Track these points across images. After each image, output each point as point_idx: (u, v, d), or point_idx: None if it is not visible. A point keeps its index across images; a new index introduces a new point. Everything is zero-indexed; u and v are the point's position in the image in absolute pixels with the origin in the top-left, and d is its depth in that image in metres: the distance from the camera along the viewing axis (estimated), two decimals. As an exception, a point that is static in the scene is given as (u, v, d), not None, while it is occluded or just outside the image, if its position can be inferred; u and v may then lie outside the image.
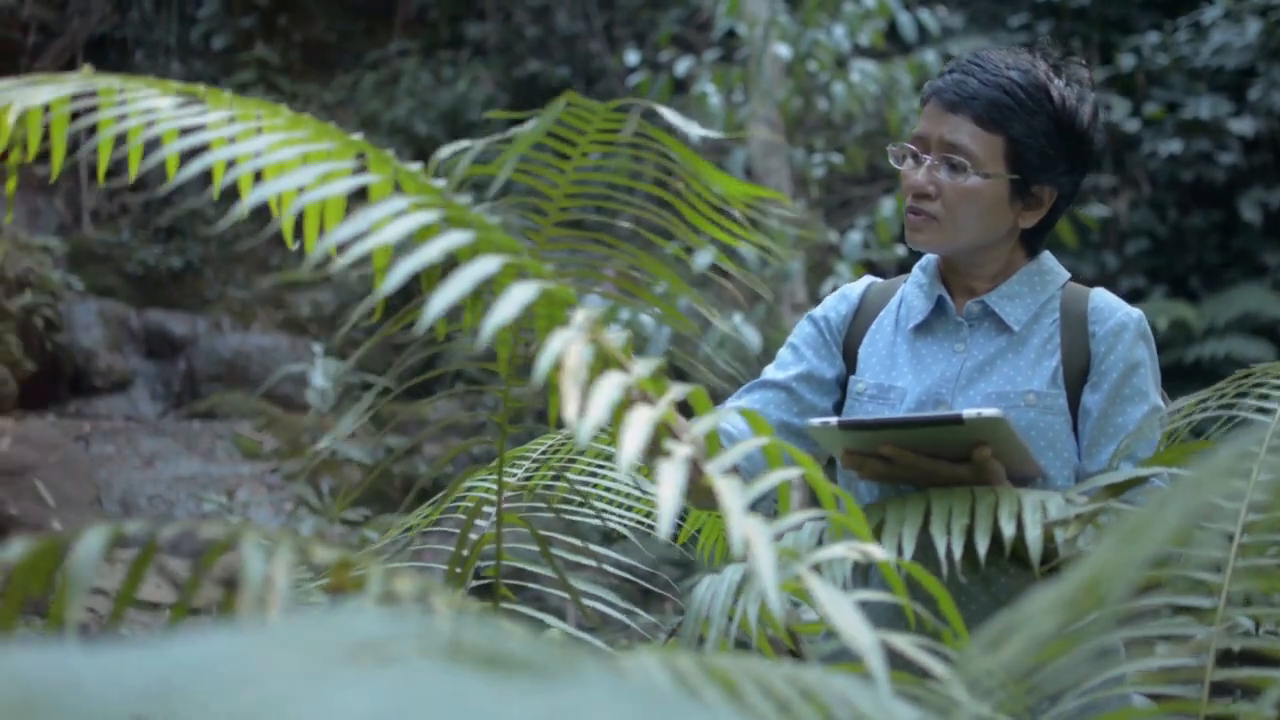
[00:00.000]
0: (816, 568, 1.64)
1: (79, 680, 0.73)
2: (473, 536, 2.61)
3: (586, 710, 0.72)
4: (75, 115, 2.08)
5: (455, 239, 1.62)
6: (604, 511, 3.20)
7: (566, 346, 1.57)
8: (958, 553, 2.45)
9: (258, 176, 2.00)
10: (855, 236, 10.60)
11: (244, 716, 0.69)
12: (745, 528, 1.45)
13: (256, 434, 13.07)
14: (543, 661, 0.81)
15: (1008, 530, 2.46)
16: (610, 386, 1.54)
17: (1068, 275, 3.25)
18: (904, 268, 11.63)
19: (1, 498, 10.27)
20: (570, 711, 0.72)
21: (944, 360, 3.17)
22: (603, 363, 1.72)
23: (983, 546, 2.47)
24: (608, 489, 3.36)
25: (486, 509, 3.00)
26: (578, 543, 2.76)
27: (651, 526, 3.28)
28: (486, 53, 16.38)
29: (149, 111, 1.96)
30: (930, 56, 11.20)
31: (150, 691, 0.71)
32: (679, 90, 11.94)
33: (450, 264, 1.74)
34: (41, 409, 13.54)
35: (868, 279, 3.42)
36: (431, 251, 1.57)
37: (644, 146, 2.12)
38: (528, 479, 3.31)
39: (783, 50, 10.91)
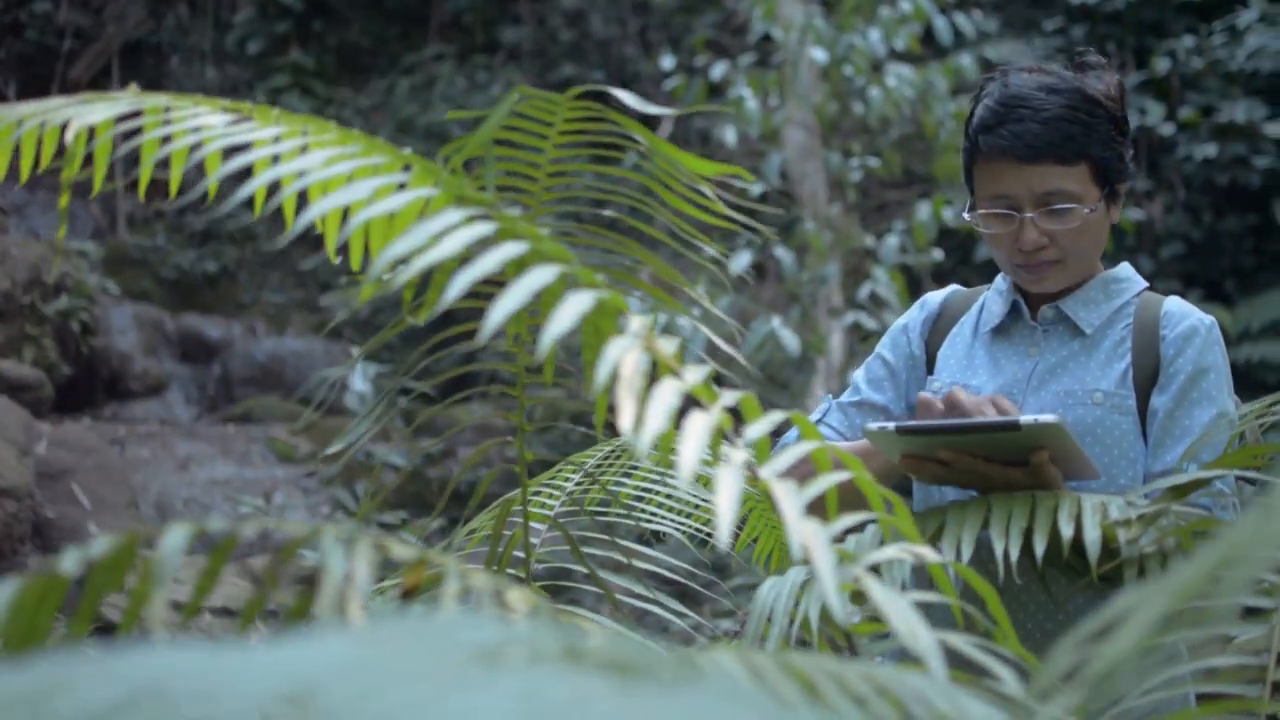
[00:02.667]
0: (875, 569, 1.65)
1: (212, 682, 0.75)
2: (507, 533, 2.62)
3: (713, 715, 0.74)
4: (130, 133, 2.10)
5: (511, 250, 1.63)
6: (646, 516, 3.21)
7: (622, 355, 1.58)
8: (1014, 555, 2.46)
9: (304, 191, 2.01)
10: (892, 240, 10.59)
11: (403, 710, 0.70)
12: (803, 531, 1.46)
13: (291, 438, 13.11)
14: (659, 666, 0.83)
15: (1066, 532, 2.46)
16: (667, 395, 1.55)
17: (1145, 284, 3.24)
18: (942, 272, 11.58)
19: (38, 501, 10.32)
20: (697, 716, 0.73)
21: (1018, 363, 3.18)
22: (651, 370, 1.73)
23: (1040, 547, 2.47)
24: (649, 491, 3.38)
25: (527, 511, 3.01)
26: (621, 542, 2.78)
27: (697, 531, 3.30)
28: (521, 57, 16.41)
29: (199, 129, 1.98)
30: (966, 60, 11.19)
31: (282, 696, 0.73)
32: (714, 94, 11.95)
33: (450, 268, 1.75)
34: (77, 413, 13.61)
35: (952, 287, 3.43)
36: (489, 262, 1.58)
37: (606, 132, 2.13)
38: (579, 485, 3.31)
39: (819, 54, 10.91)
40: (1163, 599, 1.08)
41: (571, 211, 2.28)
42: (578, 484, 3.28)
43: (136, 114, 2.02)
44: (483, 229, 1.66)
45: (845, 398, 3.38)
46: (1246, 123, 12.67)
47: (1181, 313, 3.15)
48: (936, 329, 3.35)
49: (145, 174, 2.08)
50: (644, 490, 3.33)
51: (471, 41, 16.96)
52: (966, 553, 2.46)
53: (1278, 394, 2.87)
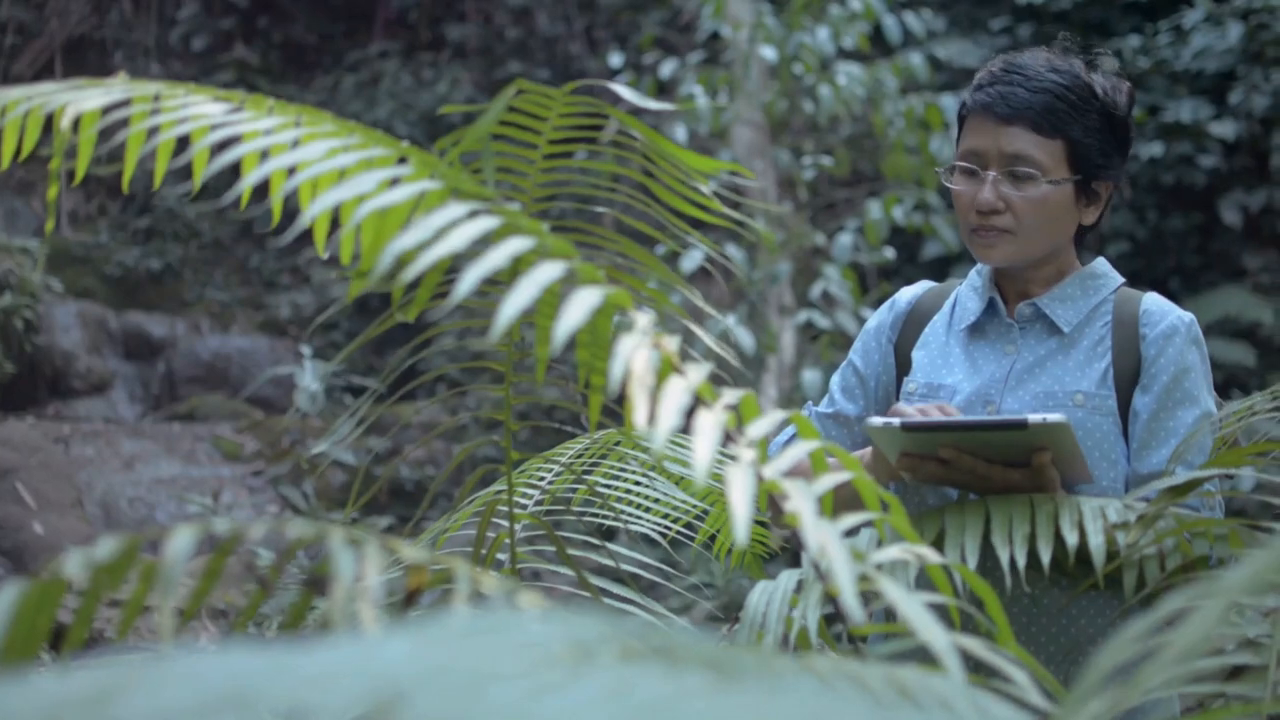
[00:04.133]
0: (879, 570, 1.64)
1: (295, 687, 0.73)
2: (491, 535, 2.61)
3: (809, 710, 0.72)
4: (115, 124, 2.06)
5: (518, 245, 1.62)
6: (609, 514, 3.20)
7: (633, 352, 1.57)
8: (1021, 562, 2.45)
9: (290, 180, 1.99)
10: (845, 239, 10.60)
11: (497, 711, 0.69)
12: (821, 534, 1.45)
13: (237, 436, 13.05)
14: (747, 664, 0.81)
15: (1071, 539, 2.46)
16: (677, 393, 1.54)
17: (1121, 280, 3.24)
18: (889, 270, 11.60)
19: (-17, 500, 10.24)
20: (796, 713, 0.72)
21: (995, 361, 3.17)
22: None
23: (1045, 555, 2.47)
24: (610, 487, 3.38)
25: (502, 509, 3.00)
26: (583, 538, 2.77)
27: (666, 529, 3.30)
28: (467, 55, 16.37)
29: (193, 119, 1.95)
30: (916, 59, 11.21)
31: (371, 701, 0.71)
32: (663, 92, 11.94)
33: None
34: (21, 411, 13.51)
35: (924, 284, 3.42)
36: (497, 257, 1.56)
37: (605, 128, 2.11)
38: (552, 483, 3.30)
39: (768, 53, 10.91)
40: (1220, 600, 1.07)
41: (564, 207, 2.26)
42: (551, 481, 3.28)
43: (126, 102, 1.99)
44: (488, 223, 1.64)
45: (822, 407, 3.38)
46: (1192, 122, 12.71)
47: (1161, 311, 3.15)
48: (907, 329, 3.33)
49: (130, 162, 2.05)
50: (605, 487, 3.33)
51: (417, 39, 16.91)
52: (972, 559, 2.45)
53: (1256, 395, 2.87)
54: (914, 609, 1.45)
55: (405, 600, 1.61)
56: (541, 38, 16.00)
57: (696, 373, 1.69)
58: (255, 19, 17.19)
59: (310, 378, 12.15)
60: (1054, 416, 2.65)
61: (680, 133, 11.04)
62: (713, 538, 3.62)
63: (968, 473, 2.76)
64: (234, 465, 12.52)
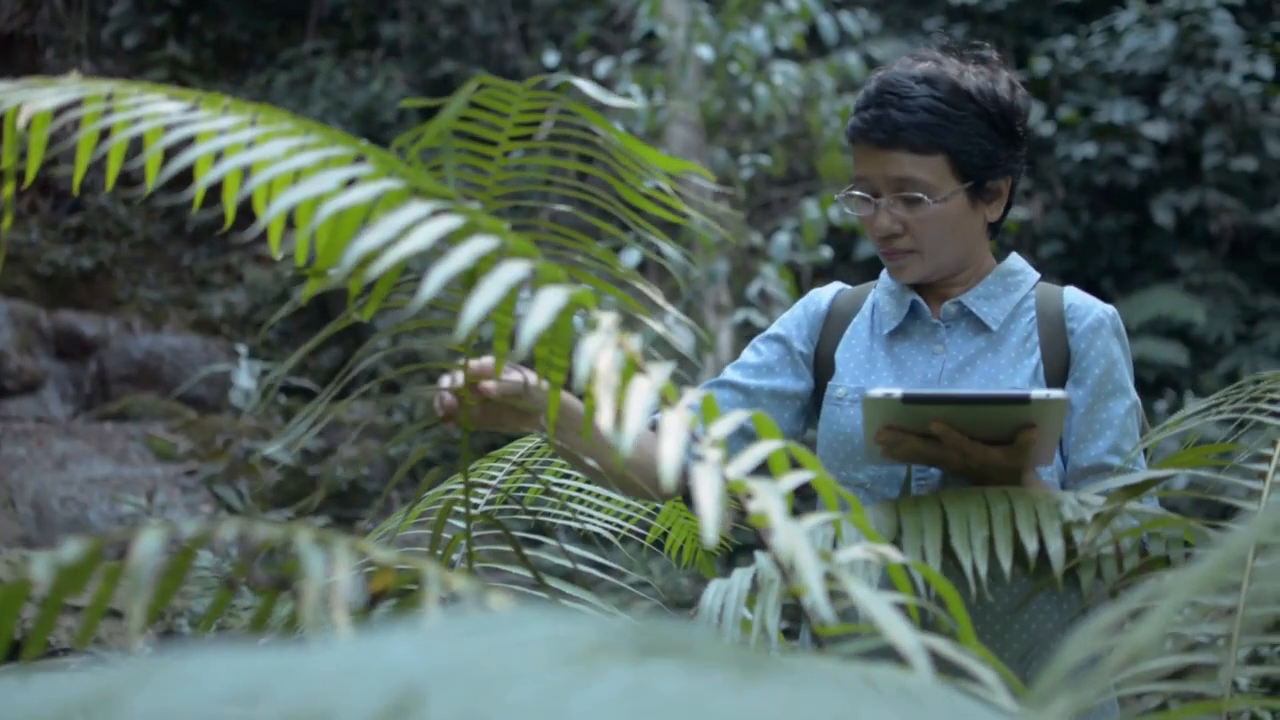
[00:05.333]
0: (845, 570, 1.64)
1: (316, 685, 0.73)
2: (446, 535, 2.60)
3: (837, 707, 0.72)
4: (76, 123, 2.04)
5: (482, 244, 1.61)
6: (575, 513, 3.20)
7: (598, 352, 1.57)
8: (983, 569, 2.46)
9: (246, 174, 1.98)
10: (782, 239, 10.61)
11: (517, 711, 0.68)
12: (789, 534, 1.45)
13: (170, 436, 12.98)
14: (765, 662, 0.81)
15: (1030, 545, 2.47)
16: (643, 394, 1.54)
17: (1037, 275, 3.27)
18: (823, 270, 11.62)
19: (-86, 500, 10.16)
20: (821, 708, 0.72)
21: (924, 362, 3.18)
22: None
23: (1006, 561, 2.48)
24: (576, 489, 3.37)
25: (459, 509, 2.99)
26: (543, 540, 2.77)
27: (617, 528, 3.30)
28: (401, 53, 16.32)
29: (148, 119, 1.93)
30: (852, 59, 11.23)
31: (392, 698, 0.71)
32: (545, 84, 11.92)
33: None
34: (-50, 411, 13.41)
35: (836, 285, 3.43)
36: (462, 257, 1.56)
37: (571, 125, 2.11)
38: (503, 482, 3.30)
39: (705, 52, 10.92)
40: (1183, 592, 1.08)
41: (525, 205, 2.25)
42: (503, 481, 3.27)
43: (79, 102, 1.97)
44: (451, 222, 1.63)
45: (740, 377, 3.34)
46: (1125, 123, 12.79)
47: (1085, 305, 3.18)
48: (828, 330, 3.33)
49: (115, 164, 2.04)
50: (558, 485, 3.32)
51: (350, 37, 16.84)
52: (934, 560, 2.46)
53: (1215, 396, 2.89)
54: (882, 609, 1.45)
55: (370, 602, 1.61)
56: (476, 36, 15.96)
57: (659, 373, 1.68)
58: (187, 16, 17.09)
59: (246, 377, 12.09)
60: (1056, 392, 2.67)
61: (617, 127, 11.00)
62: (662, 535, 3.62)
63: (952, 449, 2.77)
64: (167, 465, 12.44)
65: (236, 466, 11.49)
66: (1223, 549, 1.12)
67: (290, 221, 1.96)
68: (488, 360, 2.73)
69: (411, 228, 1.62)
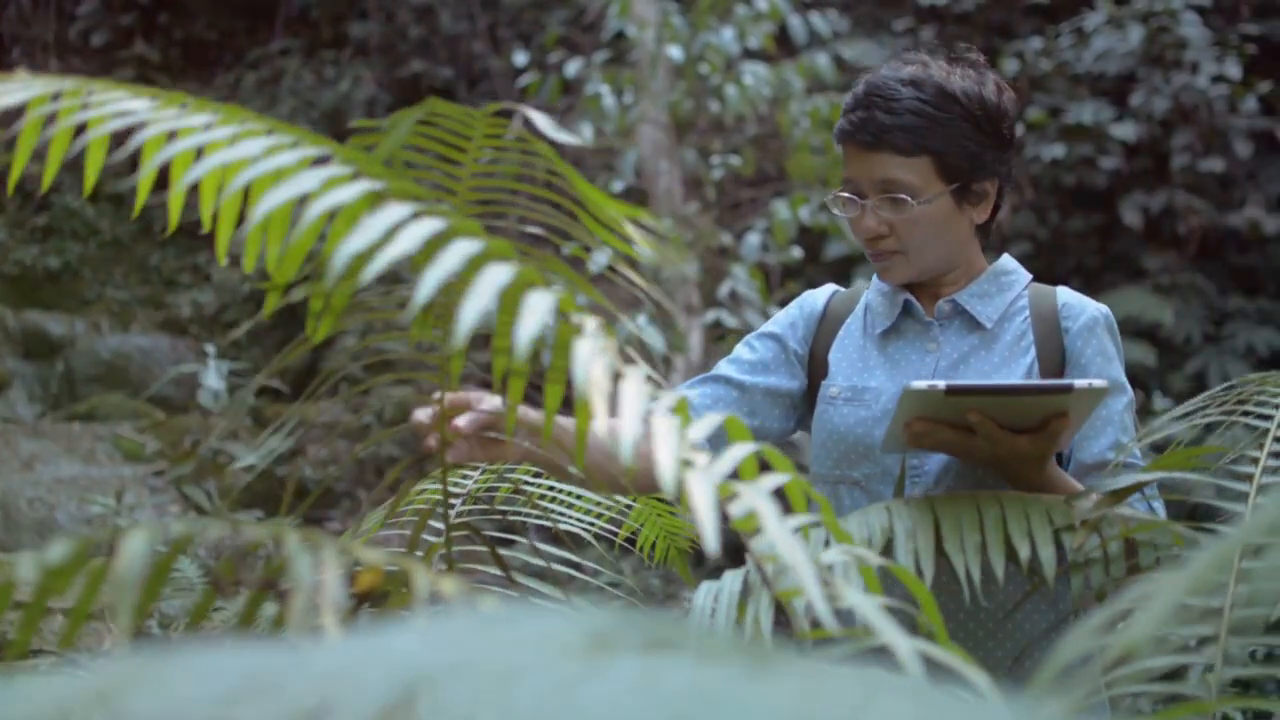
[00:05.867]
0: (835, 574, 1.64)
1: (323, 677, 0.72)
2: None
3: (851, 699, 0.72)
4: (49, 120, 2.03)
5: (467, 247, 1.60)
6: (547, 513, 3.19)
7: (591, 358, 1.56)
8: (976, 575, 2.46)
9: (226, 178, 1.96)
10: (753, 239, 10.62)
11: (526, 705, 0.68)
12: (782, 537, 1.44)
13: (138, 436, 12.93)
14: (769, 656, 0.80)
15: (1023, 551, 2.47)
16: (637, 399, 1.53)
17: (1029, 276, 3.28)
18: (792, 270, 11.62)
19: (-120, 501, 10.11)
20: (824, 697, 0.71)
21: (917, 360, 3.19)
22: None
23: (999, 567, 2.48)
24: (547, 488, 3.37)
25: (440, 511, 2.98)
26: (524, 541, 2.76)
27: (588, 527, 3.30)
28: (369, 52, 16.30)
29: (124, 115, 1.92)
30: (821, 59, 11.24)
31: (402, 686, 0.70)
32: (567, 92, 11.93)
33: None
34: (-83, 411, 13.35)
35: (831, 287, 3.44)
36: (453, 258, 1.55)
37: (532, 153, 2.10)
38: (477, 482, 3.29)
39: (674, 52, 10.92)
40: (1176, 589, 1.08)
41: (494, 212, 2.24)
42: (476, 481, 3.26)
43: (56, 98, 1.95)
44: (435, 225, 1.63)
45: (734, 372, 3.35)
46: (1093, 124, 12.81)
47: (1080, 304, 3.20)
48: (822, 331, 3.35)
49: (95, 162, 2.02)
50: (528, 485, 3.32)
51: (319, 36, 16.82)
52: (928, 568, 2.46)
53: (1201, 398, 2.89)
54: (875, 613, 1.45)
55: (355, 603, 1.60)
56: (444, 36, 15.94)
57: (638, 375, 1.68)
58: (155, 15, 17.05)
59: (214, 377, 12.06)
60: (1098, 382, 2.67)
61: (586, 131, 11.02)
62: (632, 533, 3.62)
63: (987, 437, 2.77)
64: (135, 465, 12.40)
65: (205, 467, 11.46)
66: (1216, 549, 1.12)
67: (240, 226, 1.95)
68: (461, 395, 2.73)
69: (396, 229, 1.61)
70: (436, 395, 2.54)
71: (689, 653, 0.79)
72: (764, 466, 1.70)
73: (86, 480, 11.84)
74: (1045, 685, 1.20)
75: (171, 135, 1.87)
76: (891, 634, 1.40)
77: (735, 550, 2.75)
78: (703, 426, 1.64)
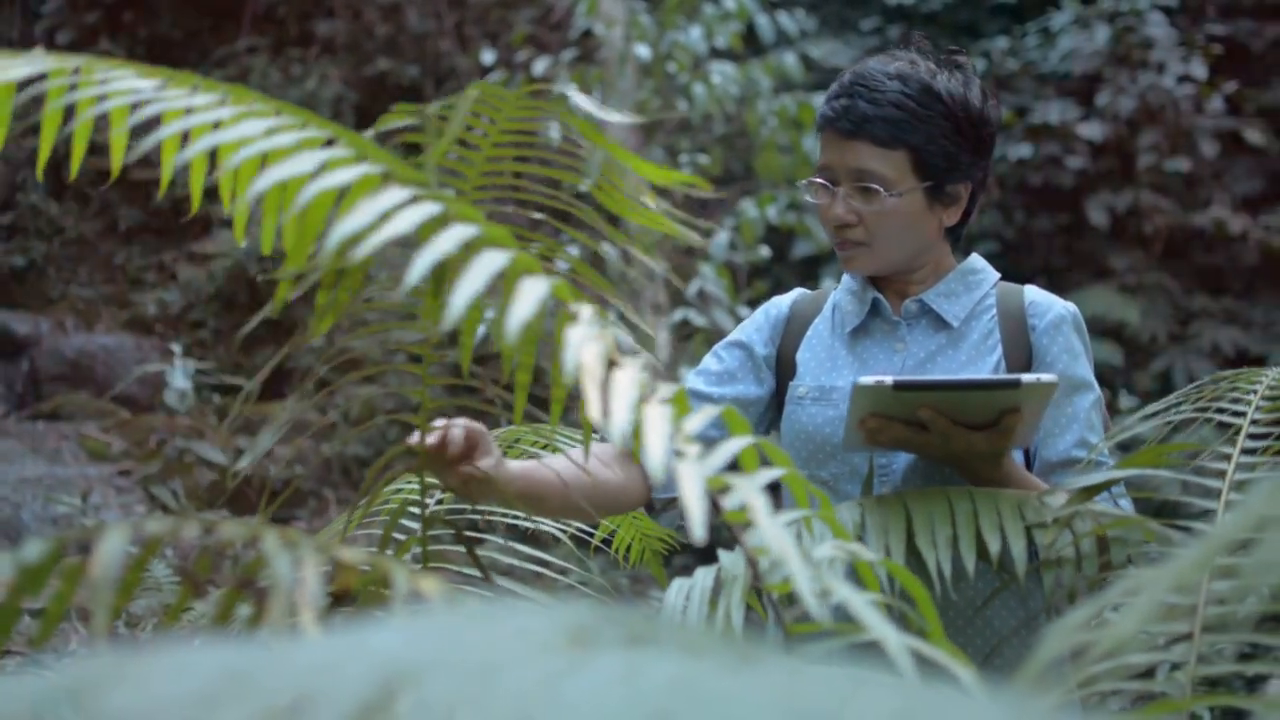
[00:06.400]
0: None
1: (302, 673, 0.71)
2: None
3: (836, 691, 0.71)
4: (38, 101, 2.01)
5: (463, 232, 1.60)
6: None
7: (583, 345, 1.56)
8: (946, 568, 2.46)
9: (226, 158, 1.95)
10: (721, 237, 10.63)
11: (510, 699, 0.67)
12: (774, 533, 1.44)
13: (104, 435, 12.88)
14: (756, 649, 0.80)
15: (994, 546, 2.47)
16: (628, 387, 1.53)
17: (998, 274, 3.28)
18: (759, 269, 11.62)
19: None
20: (810, 690, 0.71)
21: (885, 359, 3.19)
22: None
23: (969, 561, 2.48)
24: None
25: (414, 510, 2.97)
26: (495, 539, 2.75)
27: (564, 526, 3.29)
28: (335, 51, 16.25)
29: (128, 93, 1.90)
30: (789, 58, 11.24)
31: (384, 680, 0.70)
32: (538, 92, 11.90)
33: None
34: (-119, 410, 13.30)
35: (796, 291, 3.45)
36: (447, 242, 1.54)
37: (570, 138, 2.10)
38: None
39: (642, 51, 10.92)
40: (1164, 585, 1.07)
41: (502, 211, 2.24)
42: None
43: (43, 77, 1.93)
44: (431, 209, 1.62)
45: (706, 387, 3.37)
46: (1059, 124, 12.86)
47: (1047, 302, 3.20)
48: (789, 332, 3.35)
49: (81, 144, 2.01)
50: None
51: (285, 34, 16.76)
52: (899, 558, 2.46)
53: (1176, 395, 2.90)
54: (865, 608, 1.44)
55: (333, 602, 1.59)
56: (411, 34, 15.91)
57: (634, 366, 1.67)
58: (121, 13, 16.98)
59: (180, 376, 12.02)
60: (1046, 376, 2.70)
61: (554, 131, 10.99)
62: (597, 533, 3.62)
63: (938, 434, 2.78)
64: (101, 465, 12.35)
65: (171, 466, 11.42)
66: (1201, 546, 1.12)
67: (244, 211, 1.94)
68: (453, 433, 2.72)
69: (392, 213, 1.61)
70: (439, 423, 2.54)
71: (670, 647, 0.78)
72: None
73: (52, 480, 11.80)
74: (1027, 681, 1.20)
75: (187, 113, 1.85)
76: (883, 629, 1.39)
77: (704, 551, 2.76)
78: (699, 418, 1.63)
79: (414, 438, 2.63)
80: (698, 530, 1.33)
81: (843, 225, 3.14)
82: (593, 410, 1.50)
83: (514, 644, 0.77)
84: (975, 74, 3.21)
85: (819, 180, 3.19)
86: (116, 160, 2.07)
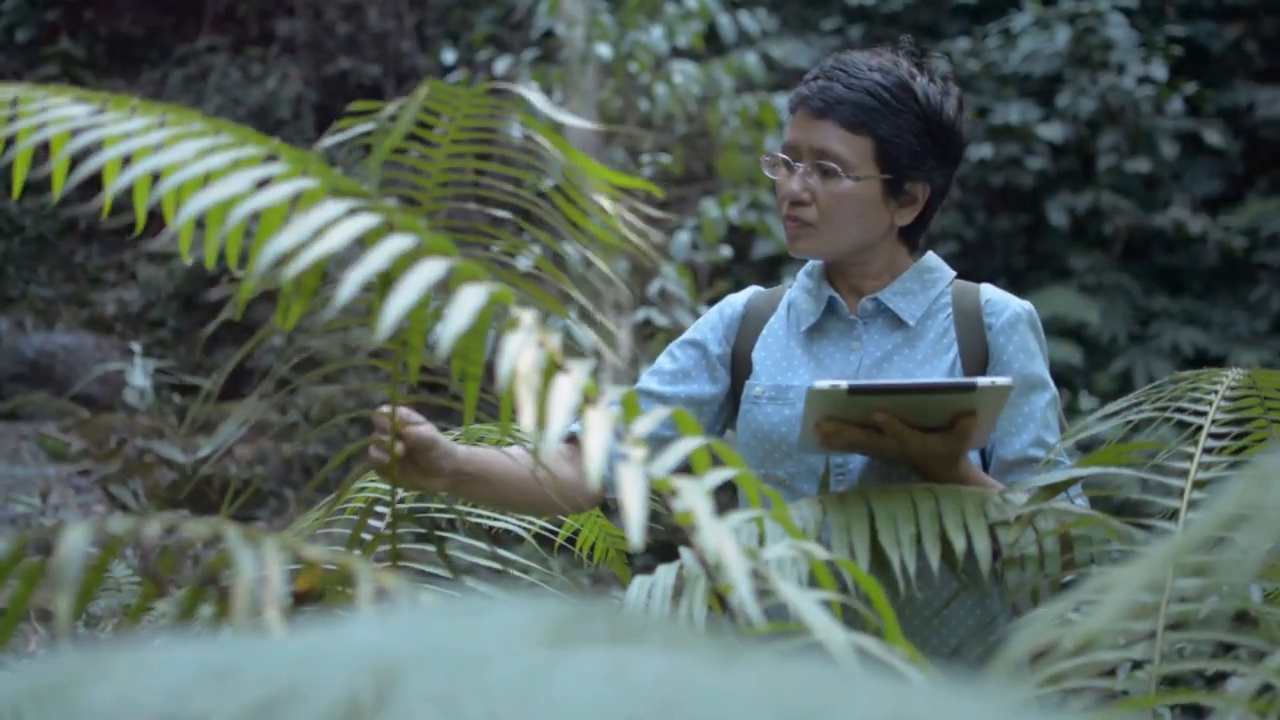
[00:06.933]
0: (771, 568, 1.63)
1: (286, 666, 0.71)
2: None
3: (826, 685, 0.71)
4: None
5: (400, 243, 1.60)
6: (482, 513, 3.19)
7: (519, 351, 1.56)
8: (911, 566, 2.47)
9: (156, 178, 1.95)
10: (683, 237, 10.63)
11: (498, 692, 0.67)
12: (714, 533, 1.44)
13: (63, 435, 12.83)
14: (740, 645, 0.80)
15: (958, 544, 2.48)
16: (567, 393, 1.53)
17: (954, 273, 3.29)
18: (719, 269, 11.62)
19: None
20: (802, 685, 0.71)
21: (841, 358, 3.20)
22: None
23: (934, 558, 2.49)
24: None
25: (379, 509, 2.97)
26: (457, 538, 2.75)
27: (528, 525, 3.29)
28: (296, 50, 16.21)
29: (54, 123, 1.90)
30: (750, 58, 11.25)
31: (370, 672, 0.70)
32: (495, 90, 11.88)
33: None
34: None
35: (751, 289, 3.45)
36: (379, 257, 1.54)
37: (480, 129, 2.10)
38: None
39: (603, 50, 10.91)
40: (1136, 579, 1.08)
41: (463, 209, 2.24)
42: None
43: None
44: (367, 221, 1.62)
45: (658, 386, 3.37)
46: (1020, 124, 12.89)
47: (1002, 301, 3.21)
48: (744, 330, 3.35)
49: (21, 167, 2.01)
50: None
51: (246, 33, 16.72)
52: (863, 559, 2.46)
53: (1137, 394, 2.90)
54: (809, 607, 1.45)
55: (296, 600, 1.59)
56: (372, 34, 15.88)
57: (580, 371, 1.67)
58: (80, 11, 16.92)
59: (140, 375, 11.98)
60: (1001, 380, 2.71)
61: (515, 130, 10.98)
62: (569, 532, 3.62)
63: (895, 436, 2.79)
64: (60, 465, 12.30)
65: (131, 465, 11.38)
66: (1172, 544, 1.13)
67: (200, 223, 1.93)
68: (402, 411, 2.74)
69: (327, 227, 1.61)
70: (385, 409, 2.54)
71: (654, 644, 0.78)
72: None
73: (11, 479, 11.75)
74: (997, 679, 1.21)
75: (126, 136, 1.85)
76: (828, 629, 1.40)
77: (666, 551, 2.77)
78: (649, 420, 1.63)
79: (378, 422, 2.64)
80: (635, 534, 1.33)
81: (797, 202, 3.15)
82: (525, 418, 1.50)
83: (496, 639, 0.77)
84: (956, 88, 3.23)
85: (781, 156, 3.20)
86: (58, 186, 2.07)
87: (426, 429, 2.77)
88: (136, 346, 12.59)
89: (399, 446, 2.70)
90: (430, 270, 1.58)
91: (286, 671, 0.71)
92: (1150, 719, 1.93)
